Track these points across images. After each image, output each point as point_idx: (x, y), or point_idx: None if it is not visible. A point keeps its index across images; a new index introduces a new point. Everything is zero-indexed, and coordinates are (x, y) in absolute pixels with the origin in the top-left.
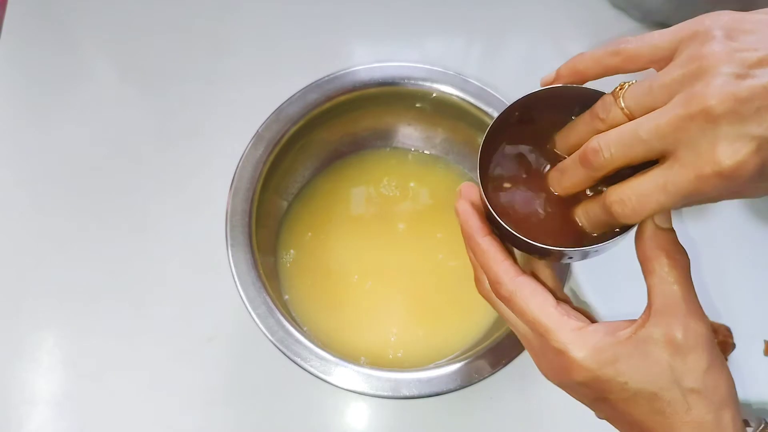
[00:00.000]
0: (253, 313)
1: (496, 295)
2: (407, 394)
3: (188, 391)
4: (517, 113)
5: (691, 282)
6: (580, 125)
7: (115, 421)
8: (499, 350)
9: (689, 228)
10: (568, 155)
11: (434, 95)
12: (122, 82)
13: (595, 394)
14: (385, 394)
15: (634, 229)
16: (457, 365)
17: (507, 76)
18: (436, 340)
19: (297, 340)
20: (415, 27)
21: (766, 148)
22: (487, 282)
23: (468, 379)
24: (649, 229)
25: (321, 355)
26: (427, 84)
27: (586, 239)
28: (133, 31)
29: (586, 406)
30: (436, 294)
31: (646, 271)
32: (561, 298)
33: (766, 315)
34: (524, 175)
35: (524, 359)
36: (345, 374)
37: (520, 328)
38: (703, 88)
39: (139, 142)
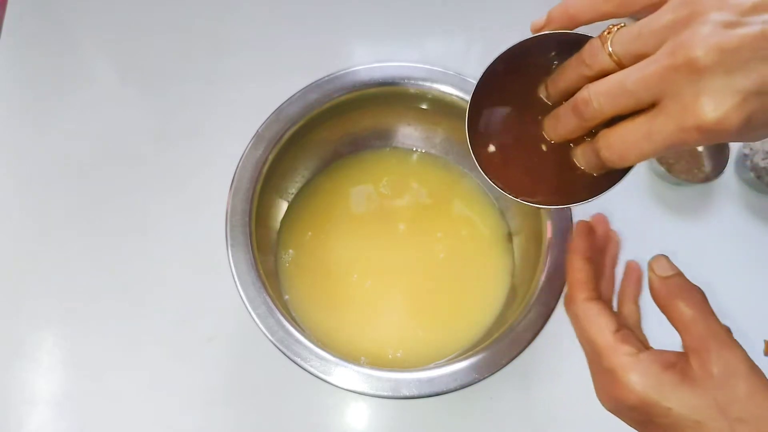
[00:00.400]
0: (253, 313)
1: (569, 312)
2: (407, 394)
3: (188, 391)
4: (506, 64)
5: (712, 314)
6: (568, 71)
7: (115, 421)
8: (499, 350)
9: (689, 228)
10: (559, 101)
11: (434, 95)
12: (122, 83)
13: (643, 417)
14: (385, 394)
15: (628, 175)
16: (457, 365)
17: None
18: (436, 340)
19: (297, 340)
20: (415, 27)
21: (753, 102)
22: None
23: (468, 379)
24: (655, 282)
25: (321, 355)
26: (427, 84)
27: (579, 184)
28: (133, 31)
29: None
30: (436, 294)
31: (668, 319)
32: (639, 337)
33: (766, 315)
34: (516, 125)
35: (524, 359)
36: (345, 374)
37: (585, 346)
38: (690, 37)
39: (139, 142)
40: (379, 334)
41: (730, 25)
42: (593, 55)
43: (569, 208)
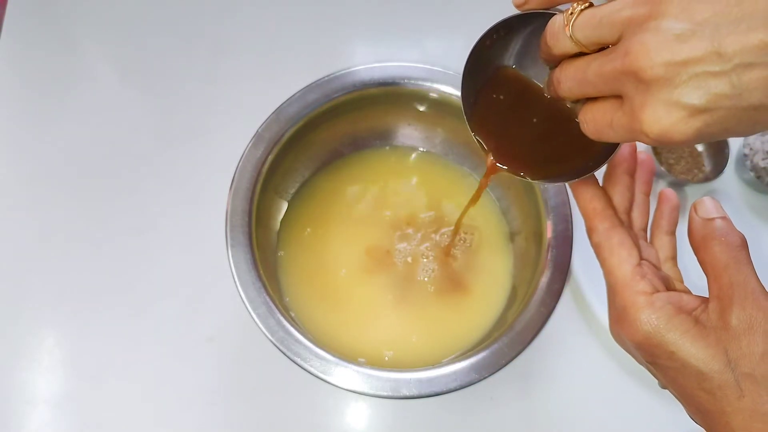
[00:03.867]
0: (253, 313)
1: (590, 242)
2: (407, 394)
3: (188, 391)
4: (491, 39)
5: (747, 264)
6: (542, 46)
7: (115, 421)
8: (499, 350)
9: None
10: (551, 69)
11: (434, 95)
12: (122, 83)
13: (647, 357)
14: (385, 394)
15: (614, 154)
16: (457, 365)
17: None
18: (436, 341)
19: (297, 340)
20: (415, 27)
21: (700, 118)
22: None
23: (468, 379)
24: (694, 222)
25: (321, 355)
26: (427, 84)
27: (568, 160)
28: (133, 31)
29: (648, 370)
30: (437, 294)
31: (700, 263)
32: (669, 273)
33: None
34: (509, 97)
35: (524, 359)
36: (345, 374)
37: (604, 277)
38: (639, 46)
39: (139, 143)
40: (379, 335)
41: (683, 37)
42: (555, 38)
43: (569, 210)
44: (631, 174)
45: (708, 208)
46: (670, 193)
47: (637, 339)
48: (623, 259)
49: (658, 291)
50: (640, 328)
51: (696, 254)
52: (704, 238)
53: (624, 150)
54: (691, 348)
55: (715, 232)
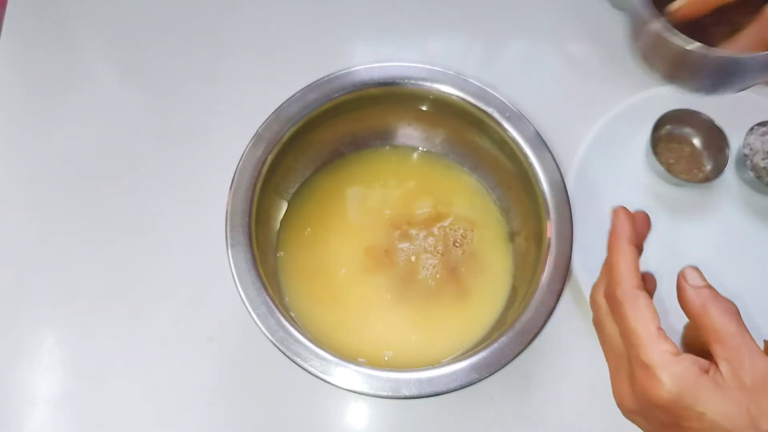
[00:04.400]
0: (253, 313)
1: (609, 295)
2: (407, 394)
3: (188, 391)
4: None
5: (744, 327)
6: None
7: (115, 421)
8: (499, 350)
9: (689, 228)
10: None
11: (434, 95)
12: (122, 83)
13: (670, 419)
14: (385, 394)
15: None
16: (457, 365)
17: (507, 76)
18: (436, 341)
19: (297, 340)
20: (415, 27)
21: None
22: (602, 287)
23: (468, 379)
24: (687, 290)
25: (321, 355)
26: (427, 84)
27: None
28: (133, 31)
29: None
30: (436, 294)
31: (701, 327)
32: None
33: (766, 315)
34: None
35: (524, 359)
36: (345, 374)
37: (613, 338)
38: None
39: (139, 143)
40: (379, 335)
41: None
42: None
43: (569, 210)
44: (636, 245)
45: (696, 277)
46: (651, 277)
47: (662, 400)
48: (648, 320)
49: (677, 352)
50: (669, 388)
51: (695, 320)
52: (703, 305)
53: (630, 223)
54: (719, 407)
55: (712, 298)
